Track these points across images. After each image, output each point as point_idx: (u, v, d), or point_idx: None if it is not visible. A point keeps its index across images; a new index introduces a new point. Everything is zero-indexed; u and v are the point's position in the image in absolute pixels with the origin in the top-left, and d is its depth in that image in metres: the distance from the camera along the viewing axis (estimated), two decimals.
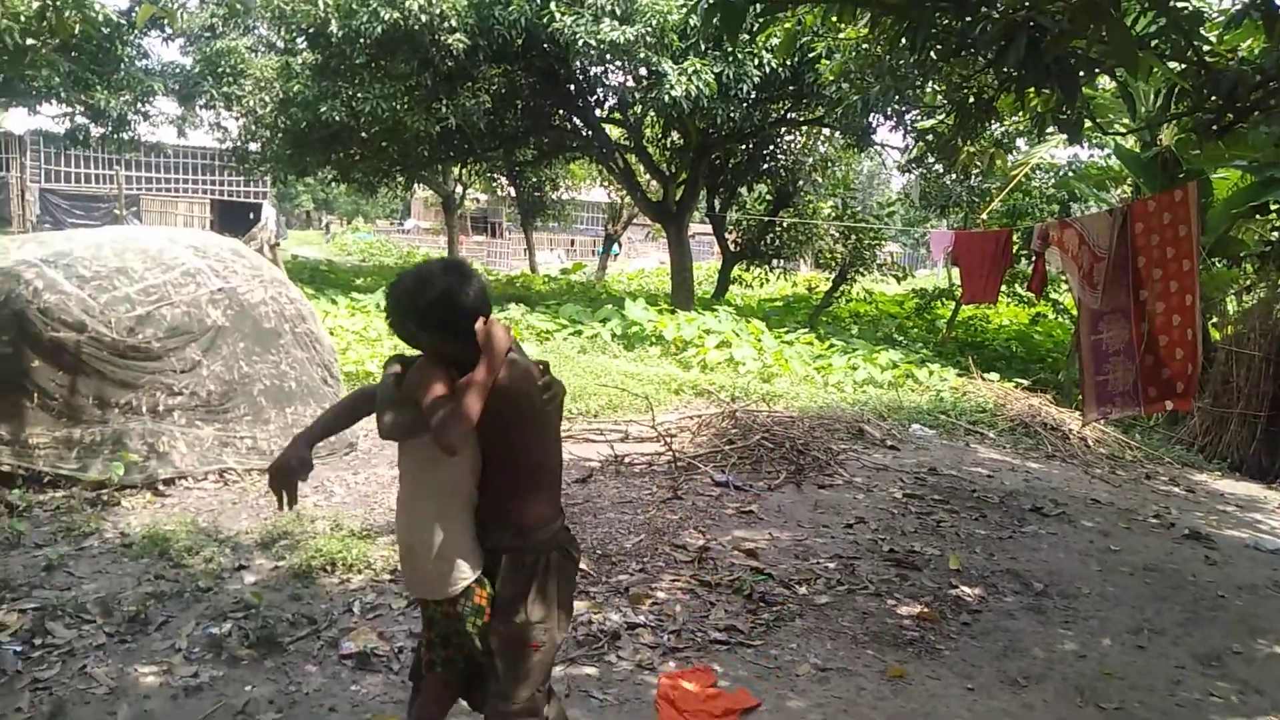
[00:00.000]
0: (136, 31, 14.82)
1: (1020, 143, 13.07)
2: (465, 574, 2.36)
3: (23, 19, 9.57)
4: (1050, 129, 7.30)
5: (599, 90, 15.64)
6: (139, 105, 16.85)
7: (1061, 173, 14.59)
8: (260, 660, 3.43)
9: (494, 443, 2.35)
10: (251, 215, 28.94)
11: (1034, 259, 6.49)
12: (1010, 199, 14.07)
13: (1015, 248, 8.92)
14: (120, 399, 5.26)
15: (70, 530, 4.54)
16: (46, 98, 15.44)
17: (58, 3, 8.99)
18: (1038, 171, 14.27)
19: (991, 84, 5.79)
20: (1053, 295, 14.61)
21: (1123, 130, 9.62)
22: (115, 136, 17.08)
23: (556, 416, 2.50)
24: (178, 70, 18.89)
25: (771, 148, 17.76)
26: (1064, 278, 8.98)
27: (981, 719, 3.33)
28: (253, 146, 19.15)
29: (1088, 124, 6.66)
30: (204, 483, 5.41)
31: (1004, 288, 12.24)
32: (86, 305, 5.20)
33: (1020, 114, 7.24)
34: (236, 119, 19.70)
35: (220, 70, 17.95)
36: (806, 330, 13.98)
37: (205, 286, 5.78)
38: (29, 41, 10.00)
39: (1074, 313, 14.08)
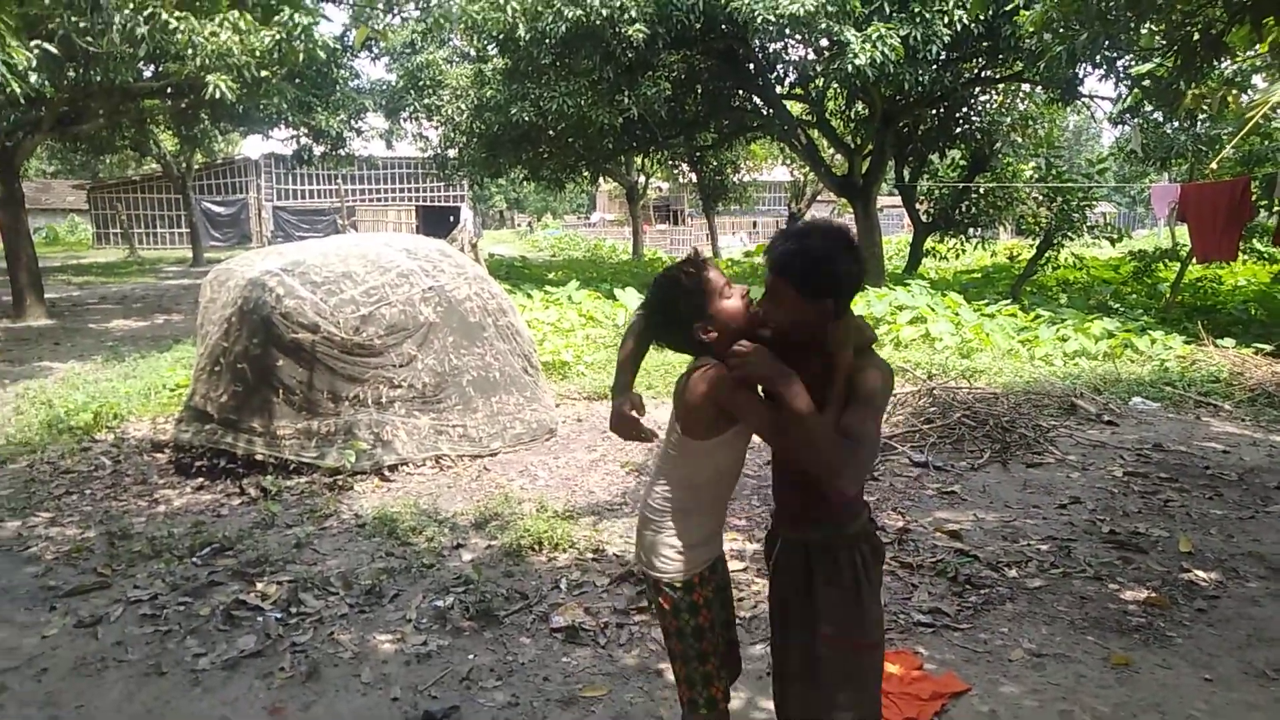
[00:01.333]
0: (353, 53, 16.15)
1: (1257, 79, 11.65)
2: None
3: (258, 54, 10.68)
4: None
5: (779, 66, 15.42)
6: (353, 123, 18.37)
7: None
8: (480, 631, 3.70)
9: None
10: (451, 218, 30.81)
11: (1278, 209, 5.81)
12: (1245, 144, 12.58)
13: (1253, 198, 7.98)
14: (349, 393, 5.80)
15: (313, 512, 5.07)
16: (276, 123, 17.14)
17: (289, 36, 9.97)
18: (1279, 111, 12.68)
19: (1221, 17, 5.22)
20: None
21: None
22: (334, 153, 18.72)
23: None
24: (384, 87, 20.42)
25: (964, 110, 16.84)
26: None
27: (1221, 713, 3.06)
28: (451, 153, 20.42)
29: None
30: (422, 469, 5.86)
31: (1241, 243, 11.00)
32: (319, 308, 5.76)
33: (1257, 47, 6.47)
34: (436, 128, 21.02)
35: (421, 83, 19.22)
36: (1009, 302, 13.17)
37: (418, 286, 6.25)
38: (263, 74, 11.15)
39: None
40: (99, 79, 11.29)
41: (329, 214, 32.28)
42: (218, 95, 10.34)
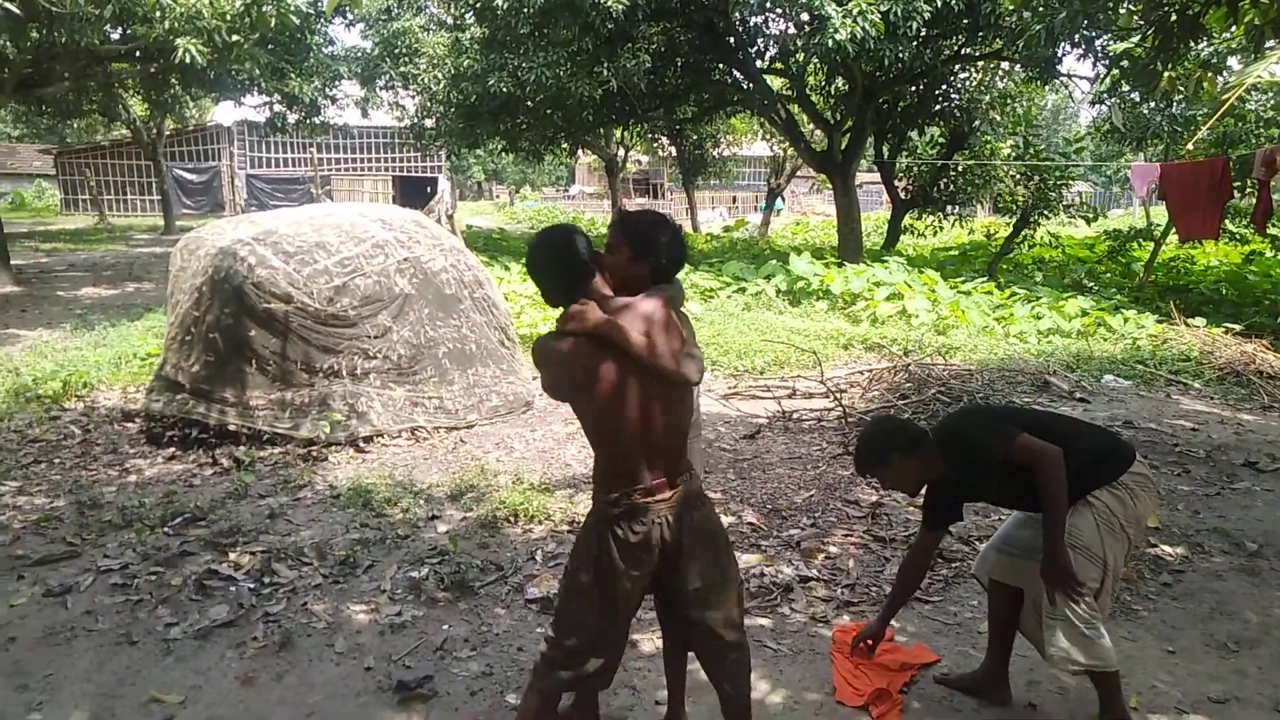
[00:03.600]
0: (326, 19, 15.81)
1: (1232, 61, 11.73)
2: None
3: (229, 18, 10.43)
4: (1270, 43, 6.54)
5: (759, 40, 15.30)
6: (327, 90, 18.03)
7: None
8: (455, 602, 3.70)
9: None
10: (429, 189, 30.49)
11: (1257, 189, 5.87)
12: (1220, 126, 12.69)
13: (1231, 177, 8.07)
14: (324, 364, 5.74)
15: (287, 483, 5.04)
16: (248, 89, 16.79)
17: (256, 1, 9.75)
18: (1253, 93, 12.77)
19: None
20: (1271, 230, 13.12)
21: None
22: (308, 121, 18.39)
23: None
24: (359, 54, 20.04)
25: (944, 87, 16.81)
26: None
27: (1184, 683, 3.13)
28: (428, 123, 20.12)
29: None
30: (398, 440, 5.83)
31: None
32: (292, 278, 5.69)
33: (1233, 29, 6.50)
34: (413, 97, 20.71)
35: (397, 51, 18.88)
36: (985, 279, 13.27)
37: (393, 257, 6.18)
38: (234, 38, 10.90)
39: None
40: (64, 40, 10.97)
41: (304, 183, 31.80)
42: (188, 60, 10.09)
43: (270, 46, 14.01)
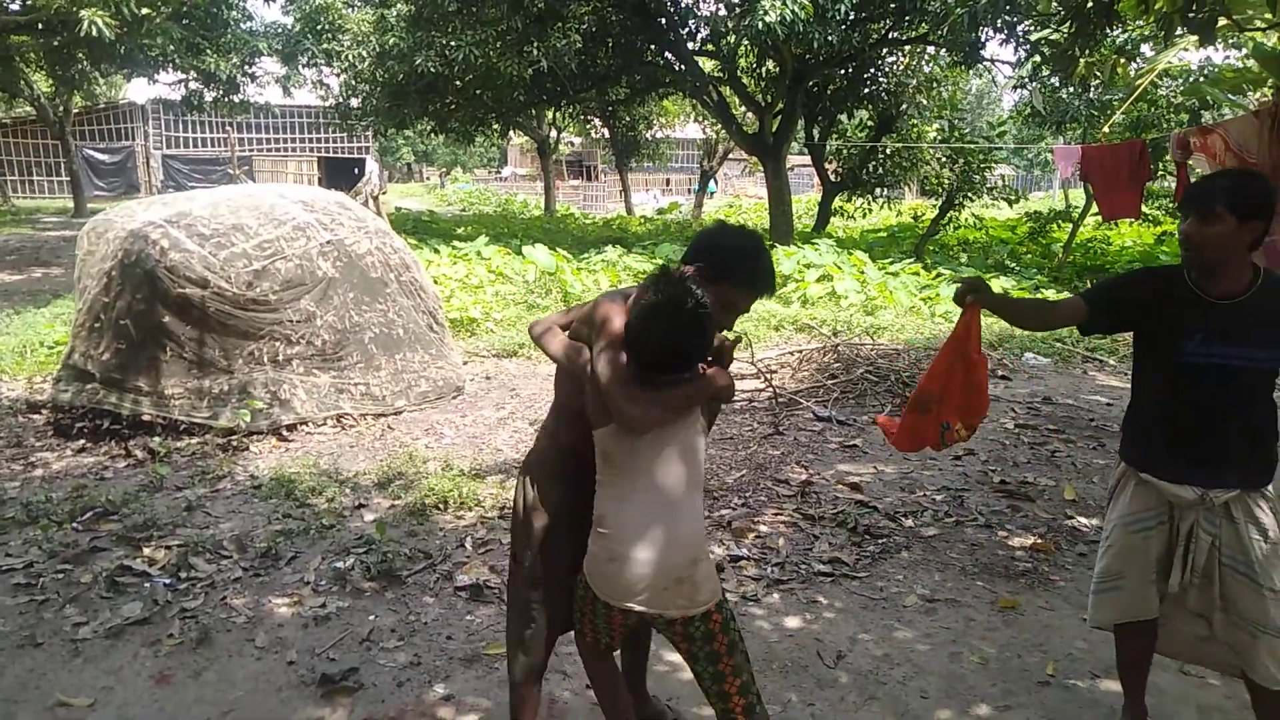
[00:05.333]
0: None
1: (1145, 48, 12.13)
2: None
3: None
4: (1180, 31, 6.75)
5: (690, 22, 15.30)
6: (246, 67, 17.46)
7: (1192, 79, 13.49)
8: (381, 592, 3.63)
9: None
10: (356, 170, 29.75)
11: (1176, 169, 6.06)
12: (1134, 110, 13.13)
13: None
14: (244, 350, 5.55)
15: (206, 474, 4.87)
16: (162, 65, 16.14)
17: None
18: (1164, 79, 13.24)
19: None
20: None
21: (1264, 25, 8.79)
22: (226, 99, 17.78)
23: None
24: (280, 30, 19.42)
25: (872, 71, 17.05)
26: None
27: (1098, 650, 3.24)
28: (354, 102, 19.63)
29: (1222, 22, 6.11)
30: (323, 428, 5.68)
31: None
32: (208, 262, 5.48)
33: (1144, 17, 6.68)
34: (337, 75, 20.16)
35: (320, 27, 18.36)
36: (912, 260, 13.54)
37: (315, 240, 6.00)
38: (144, 11, 10.44)
39: None
40: None
41: (224, 164, 30.73)
42: (94, 33, 9.65)
43: (185, 21, 13.48)
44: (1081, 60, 8.98)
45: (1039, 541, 4.16)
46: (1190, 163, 5.70)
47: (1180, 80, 13.67)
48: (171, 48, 13.76)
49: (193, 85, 17.32)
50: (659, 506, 2.13)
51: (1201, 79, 13.05)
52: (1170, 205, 14.67)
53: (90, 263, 5.83)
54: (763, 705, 2.26)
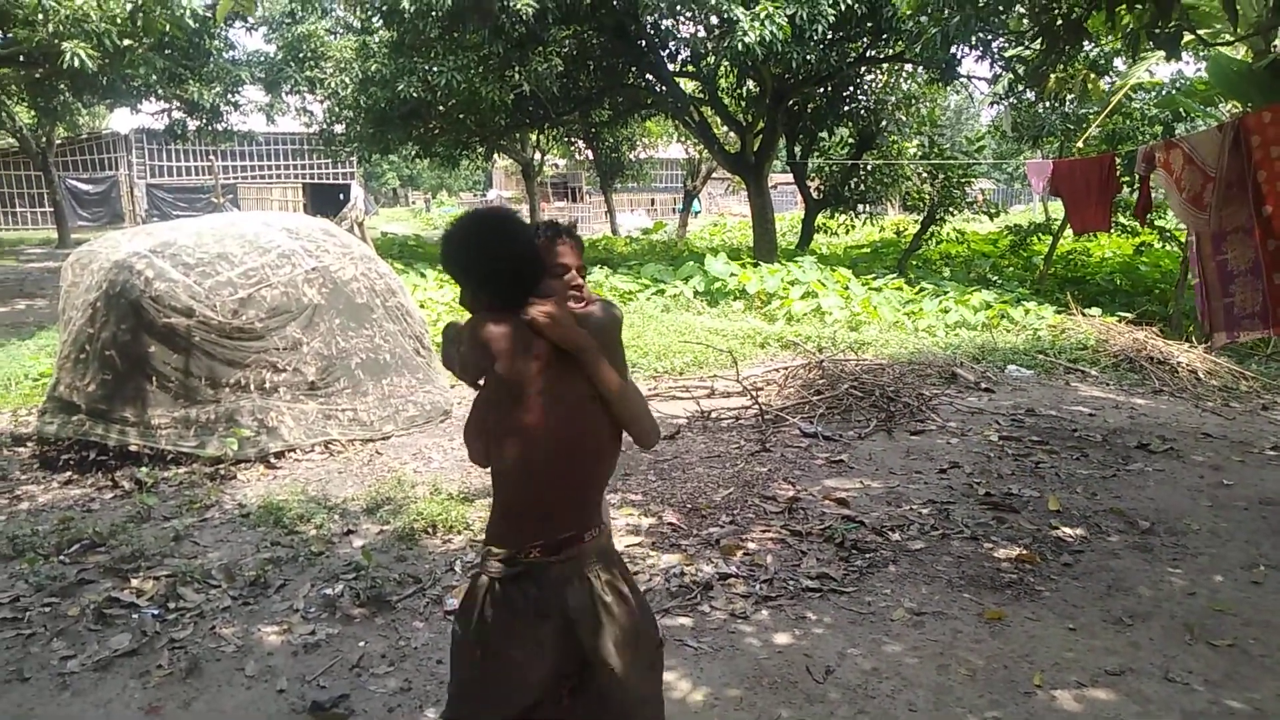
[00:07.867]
0: (220, 25, 15.33)
1: (1117, 63, 12.34)
2: None
3: (119, 20, 10.02)
4: (1147, 46, 6.89)
5: (670, 43, 15.45)
6: (229, 96, 17.49)
7: (1164, 91, 13.71)
8: (371, 618, 3.63)
9: None
10: (341, 196, 29.77)
11: (1138, 183, 6.17)
12: (1109, 123, 13.33)
13: (1118, 174, 8.49)
14: (230, 378, 5.56)
15: (193, 503, 4.86)
16: (145, 95, 16.17)
17: (146, 4, 9.40)
18: (1138, 92, 13.45)
19: (1080, 3, 5.49)
20: (1158, 223, 13.83)
21: (1229, 39, 8.97)
22: (210, 128, 17.80)
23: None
24: (262, 59, 19.49)
25: (851, 89, 17.23)
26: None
27: (1084, 659, 3.27)
28: (337, 128, 19.65)
29: (1187, 36, 6.25)
30: (311, 454, 5.68)
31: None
32: (193, 291, 5.49)
33: (1113, 33, 6.82)
34: (320, 102, 20.21)
35: (302, 55, 18.43)
36: (895, 275, 13.66)
37: (300, 267, 6.02)
38: (126, 42, 10.48)
39: (1183, 240, 13.33)
40: None
41: (208, 192, 30.69)
42: (76, 64, 9.68)
43: (167, 51, 13.52)
44: (1054, 75, 9.13)
45: (1024, 553, 4.20)
46: (1152, 178, 5.82)
47: (1153, 93, 13.89)
48: (154, 78, 13.81)
49: (176, 114, 17.35)
50: None
51: (1174, 91, 13.27)
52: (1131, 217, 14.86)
53: (75, 294, 5.83)
54: None
